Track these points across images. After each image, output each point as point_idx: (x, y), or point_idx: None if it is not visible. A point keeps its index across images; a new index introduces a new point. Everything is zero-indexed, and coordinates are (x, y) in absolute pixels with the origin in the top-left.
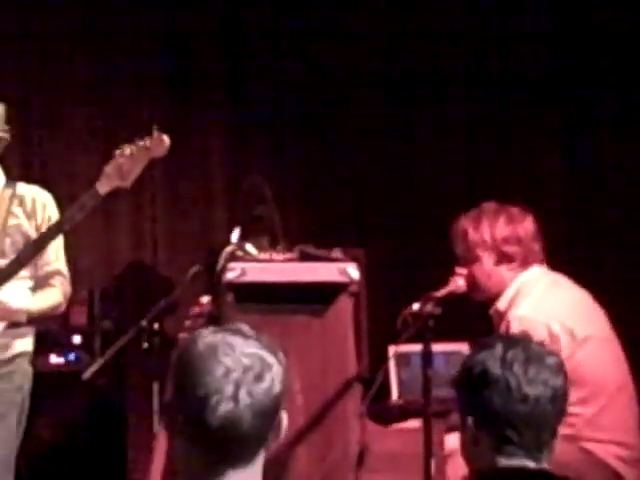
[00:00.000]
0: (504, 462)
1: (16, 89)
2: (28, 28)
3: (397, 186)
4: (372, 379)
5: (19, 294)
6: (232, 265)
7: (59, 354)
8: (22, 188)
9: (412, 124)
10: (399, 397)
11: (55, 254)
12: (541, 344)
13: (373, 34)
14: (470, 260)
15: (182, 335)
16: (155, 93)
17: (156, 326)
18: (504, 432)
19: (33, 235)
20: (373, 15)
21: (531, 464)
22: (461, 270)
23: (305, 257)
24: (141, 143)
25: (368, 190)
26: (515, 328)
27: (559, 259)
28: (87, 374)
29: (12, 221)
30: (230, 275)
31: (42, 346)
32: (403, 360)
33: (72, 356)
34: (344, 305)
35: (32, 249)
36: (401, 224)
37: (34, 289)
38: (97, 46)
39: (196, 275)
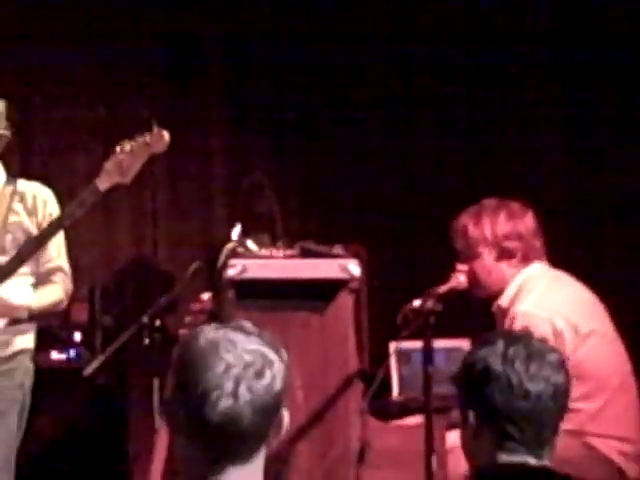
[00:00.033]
0: (505, 458)
1: (16, 86)
2: (28, 28)
3: (397, 186)
4: (373, 376)
5: (20, 291)
6: (233, 262)
7: (60, 351)
8: (23, 185)
9: (412, 124)
10: (400, 394)
11: (56, 251)
12: (543, 340)
13: (373, 34)
14: (471, 256)
15: (183, 331)
16: (155, 92)
17: (157, 323)
18: (505, 428)
19: (34, 232)
20: (373, 15)
21: (532, 461)
22: (462, 266)
23: (306, 253)
24: (141, 139)
25: (368, 190)
26: (519, 324)
27: (559, 258)
28: (88, 371)
29: (13, 218)
30: (231, 272)
31: (43, 343)
32: (404, 357)
33: (73, 352)
34: (345, 301)
35: (33, 245)
36: (401, 223)
37: (35, 286)
38: (97, 45)
39: (197, 272)
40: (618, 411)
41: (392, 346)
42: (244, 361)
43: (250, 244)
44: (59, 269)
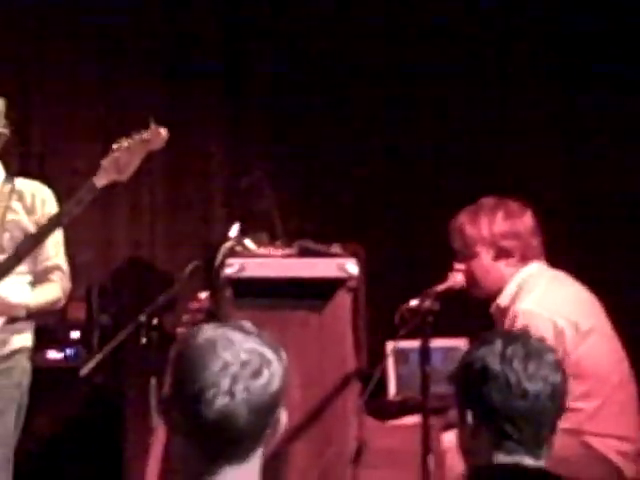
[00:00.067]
0: (502, 458)
1: (16, 85)
2: (28, 28)
3: (397, 186)
4: (370, 375)
5: (18, 289)
6: (231, 260)
7: (57, 349)
8: (21, 183)
9: (412, 124)
10: (397, 393)
11: (55, 249)
12: (540, 340)
13: (373, 34)
14: (468, 255)
15: (180, 330)
16: (155, 91)
17: (155, 321)
18: (503, 428)
19: (32, 230)
20: (373, 15)
21: (530, 460)
22: (460, 266)
23: (304, 252)
24: (138, 136)
25: (368, 189)
26: (521, 322)
27: (559, 258)
28: (85, 370)
29: (11, 216)
30: (229, 270)
31: (40, 341)
32: (401, 356)
33: (70, 351)
34: (343, 301)
35: (30, 243)
36: (401, 222)
37: (33, 284)
38: (97, 45)
39: (194, 270)
40: (616, 410)
41: (389, 345)
42: (241, 360)
43: (248, 243)
44: (57, 268)
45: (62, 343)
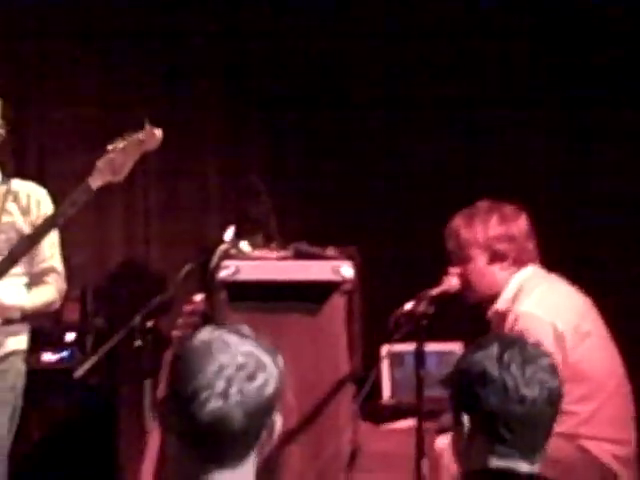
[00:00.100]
0: (496, 462)
1: (13, 85)
2: (28, 28)
3: (396, 186)
4: (365, 378)
5: (13, 291)
6: (226, 263)
7: (52, 351)
8: (17, 184)
9: (412, 124)
10: (391, 397)
11: (50, 251)
12: (537, 345)
13: (373, 34)
14: (463, 259)
15: (175, 333)
16: (153, 91)
17: (149, 324)
18: (499, 432)
19: (27, 232)
20: (373, 15)
21: (525, 465)
22: (454, 269)
23: (299, 255)
24: (133, 137)
25: (367, 189)
26: (522, 324)
27: (557, 259)
28: (79, 372)
29: (6, 218)
30: (224, 273)
31: (35, 343)
32: (396, 359)
33: (65, 353)
34: (337, 304)
35: (25, 245)
36: (399, 224)
37: (29, 286)
38: (97, 45)
39: (190, 273)
40: (612, 413)
41: (384, 349)
42: (237, 363)
43: (243, 245)
44: (52, 269)
45: (57, 345)
